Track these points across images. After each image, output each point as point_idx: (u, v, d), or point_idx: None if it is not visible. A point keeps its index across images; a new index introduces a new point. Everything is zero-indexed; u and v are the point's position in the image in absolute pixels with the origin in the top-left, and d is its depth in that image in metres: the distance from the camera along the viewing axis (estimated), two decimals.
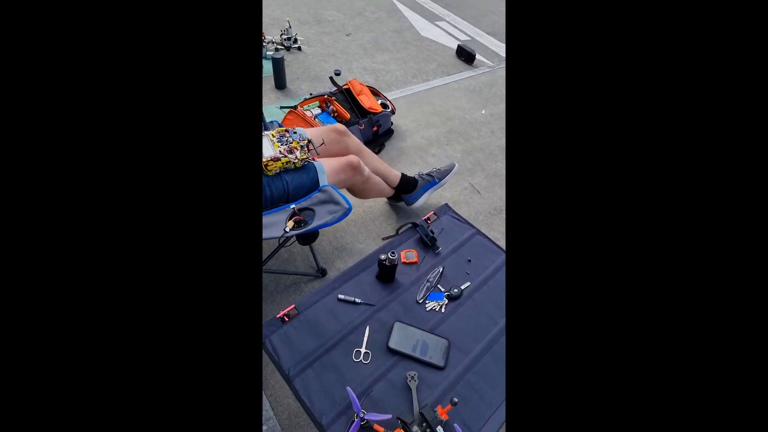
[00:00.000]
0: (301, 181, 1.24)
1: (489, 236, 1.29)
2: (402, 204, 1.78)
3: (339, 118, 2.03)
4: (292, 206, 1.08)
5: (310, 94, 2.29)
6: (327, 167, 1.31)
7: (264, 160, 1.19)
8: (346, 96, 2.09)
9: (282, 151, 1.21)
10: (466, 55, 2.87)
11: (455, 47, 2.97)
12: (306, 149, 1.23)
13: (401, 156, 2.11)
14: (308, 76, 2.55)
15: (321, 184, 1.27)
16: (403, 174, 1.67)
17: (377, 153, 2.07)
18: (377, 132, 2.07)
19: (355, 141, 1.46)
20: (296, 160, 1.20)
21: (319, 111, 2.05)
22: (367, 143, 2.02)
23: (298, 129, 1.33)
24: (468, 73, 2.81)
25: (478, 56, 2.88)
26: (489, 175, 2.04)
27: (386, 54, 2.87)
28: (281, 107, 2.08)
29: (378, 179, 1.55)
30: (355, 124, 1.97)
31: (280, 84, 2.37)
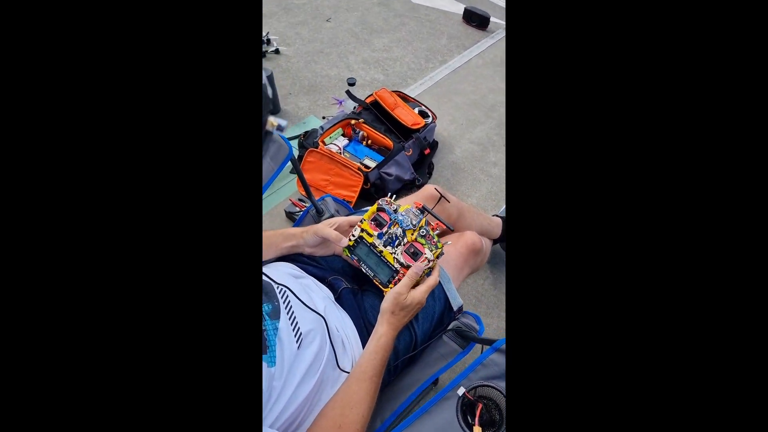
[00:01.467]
0: (425, 308, 0.78)
1: None
2: (497, 247, 1.36)
3: (375, 147, 1.54)
4: (461, 390, 0.64)
5: (324, 119, 1.76)
6: (448, 268, 0.85)
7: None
8: (376, 113, 1.58)
9: (402, 260, 0.74)
10: (478, 20, 2.35)
11: (459, 11, 2.45)
12: (433, 239, 0.76)
13: (458, 174, 1.65)
14: (302, 87, 1.99)
15: (454, 303, 0.82)
16: (503, 219, 1.23)
17: (429, 177, 1.61)
18: (429, 154, 1.59)
19: (454, 202, 1.00)
20: (427, 267, 0.73)
21: (345, 141, 1.55)
22: (415, 168, 1.54)
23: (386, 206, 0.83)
24: (487, 41, 2.31)
25: (491, 18, 2.37)
26: None
27: (383, 36, 2.31)
28: (298, 143, 1.55)
29: (489, 243, 1.11)
30: (401, 151, 1.48)
31: (274, 107, 1.82)
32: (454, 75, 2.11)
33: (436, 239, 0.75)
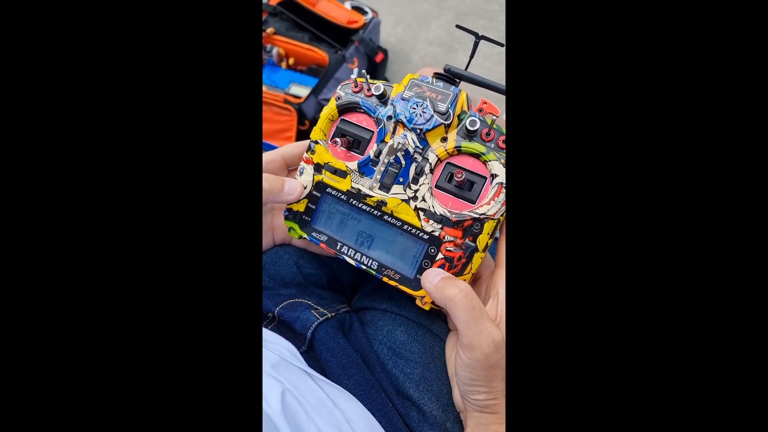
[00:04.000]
0: None
1: None
2: None
3: (301, 67, 1.03)
4: None
5: None
6: None
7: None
8: (291, 16, 1.06)
9: (442, 210, 0.33)
10: None
11: None
12: (498, 133, 0.32)
13: None
14: None
15: None
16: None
17: None
18: (382, 62, 1.10)
19: None
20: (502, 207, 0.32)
21: None
22: None
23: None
24: None
25: None
26: None
27: None
28: None
29: None
30: (341, 63, 0.99)
31: None
32: None
33: (500, 129, 0.32)
